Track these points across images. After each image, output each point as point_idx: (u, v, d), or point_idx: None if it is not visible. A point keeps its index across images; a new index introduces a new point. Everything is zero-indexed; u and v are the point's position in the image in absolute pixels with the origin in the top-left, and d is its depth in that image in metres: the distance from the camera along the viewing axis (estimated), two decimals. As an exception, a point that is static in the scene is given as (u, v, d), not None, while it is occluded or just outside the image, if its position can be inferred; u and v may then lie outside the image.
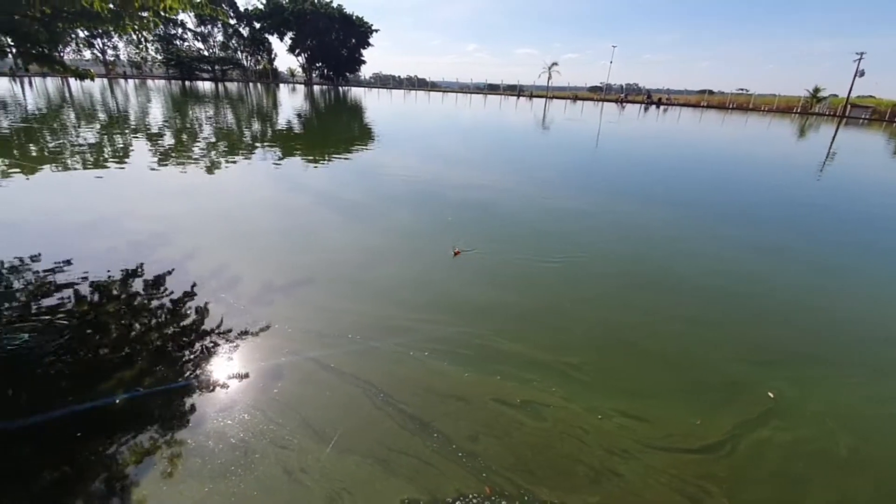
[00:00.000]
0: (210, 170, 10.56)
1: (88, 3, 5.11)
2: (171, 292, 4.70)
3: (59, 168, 9.94)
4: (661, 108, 54.31)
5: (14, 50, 5.48)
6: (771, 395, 3.68)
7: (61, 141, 13.34)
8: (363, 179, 10.46)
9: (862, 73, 46.16)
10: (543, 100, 63.69)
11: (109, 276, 4.96)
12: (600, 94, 72.64)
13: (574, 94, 72.97)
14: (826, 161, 16.84)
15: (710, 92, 64.41)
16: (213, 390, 3.31)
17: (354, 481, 2.66)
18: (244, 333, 4.00)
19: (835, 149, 21.18)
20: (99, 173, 9.81)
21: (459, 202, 8.69)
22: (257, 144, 14.77)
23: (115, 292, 4.70)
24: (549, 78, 71.46)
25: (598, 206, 9.12)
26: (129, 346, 3.81)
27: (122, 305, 4.47)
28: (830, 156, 18.40)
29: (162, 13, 6.18)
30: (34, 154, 11.40)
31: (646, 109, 50.29)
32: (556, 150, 17.18)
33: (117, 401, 3.16)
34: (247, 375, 3.47)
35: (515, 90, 77.62)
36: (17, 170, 9.54)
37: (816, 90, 50.62)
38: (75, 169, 10.00)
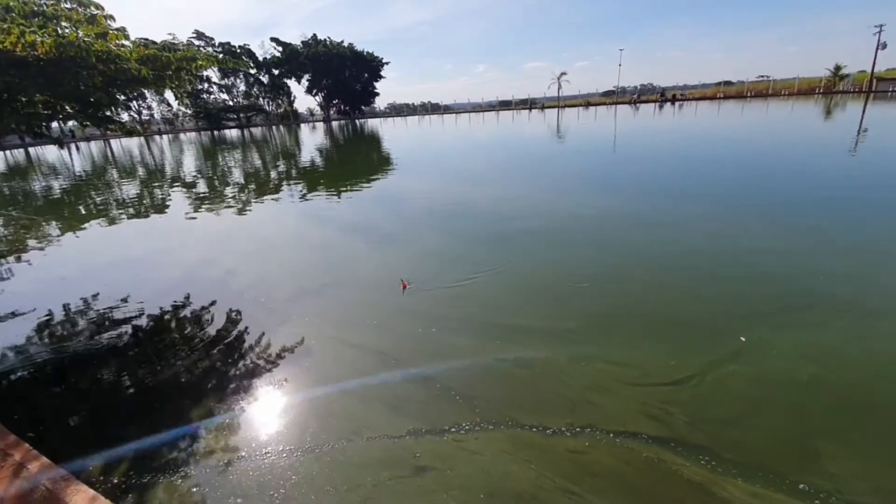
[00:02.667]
0: (241, 211, 11.39)
1: (137, 72, 5.92)
2: (214, 321, 5.25)
3: (105, 221, 10.97)
4: (677, 104, 53.65)
5: (79, 115, 6.36)
6: (743, 339, 4.15)
7: (107, 197, 14.63)
8: (384, 205, 11.02)
9: (884, 46, 44.48)
10: (555, 110, 64.07)
11: (161, 309, 5.60)
12: (612, 97, 72.42)
13: (586, 101, 73.04)
14: (858, 137, 16.35)
15: (728, 83, 63.15)
16: (260, 414, 3.75)
17: (370, 419, 3.45)
18: (281, 357, 4.48)
19: (866, 125, 20.49)
20: (142, 222, 10.77)
21: (479, 218, 9.07)
22: (283, 183, 15.71)
23: (167, 322, 5.30)
24: (560, 88, 71.97)
25: (599, 207, 9.31)
26: (185, 375, 4.34)
27: (175, 335, 5.04)
28: (862, 132, 17.83)
29: (194, 72, 6.98)
30: (83, 210, 12.57)
31: (660, 107, 49.84)
32: (573, 158, 17.40)
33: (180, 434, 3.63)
34: (284, 386, 3.90)
35: (527, 104, 78.36)
36: (68, 225, 10.59)
37: (838, 68, 48.91)
38: (121, 220, 11.00)
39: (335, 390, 3.87)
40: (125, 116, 66.19)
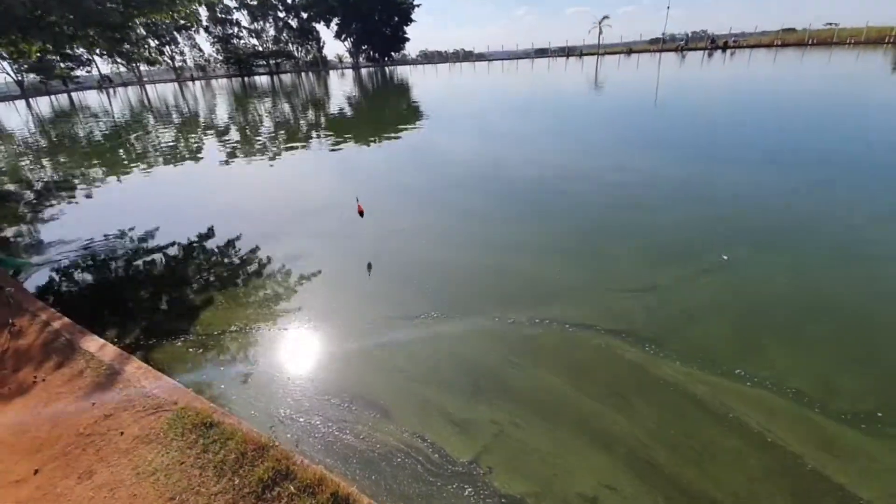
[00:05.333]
0: (272, 159, 11.57)
1: None
2: (240, 250, 5.53)
3: (143, 163, 11.51)
4: (728, 52, 49.48)
5: (100, 39, 6.64)
6: (725, 257, 4.23)
7: (144, 142, 15.23)
8: (414, 159, 10.93)
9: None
10: (595, 58, 60.41)
11: (188, 239, 5.96)
12: (658, 44, 67.38)
13: (629, 48, 68.29)
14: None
15: (791, 30, 57.18)
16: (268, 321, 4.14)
17: (355, 310, 3.50)
18: (300, 284, 4.83)
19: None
20: (176, 166, 11.22)
21: (506, 178, 9.06)
22: (313, 132, 15.82)
23: (195, 250, 5.71)
24: (601, 34, 67.35)
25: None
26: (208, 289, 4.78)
27: (202, 260, 5.39)
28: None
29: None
30: (122, 153, 13.21)
31: (710, 55, 46.14)
32: (605, 113, 16.70)
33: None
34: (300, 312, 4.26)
35: (564, 51, 74.08)
36: (110, 166, 11.21)
37: (920, 11, 43.27)
38: (157, 163, 11.49)
39: (338, 301, 4.22)
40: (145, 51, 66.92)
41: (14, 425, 2.50)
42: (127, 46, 7.14)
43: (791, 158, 7.42)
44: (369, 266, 4.50)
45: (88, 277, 4.96)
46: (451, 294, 3.90)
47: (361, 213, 5.25)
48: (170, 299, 4.30)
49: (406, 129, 13.24)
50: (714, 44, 54.47)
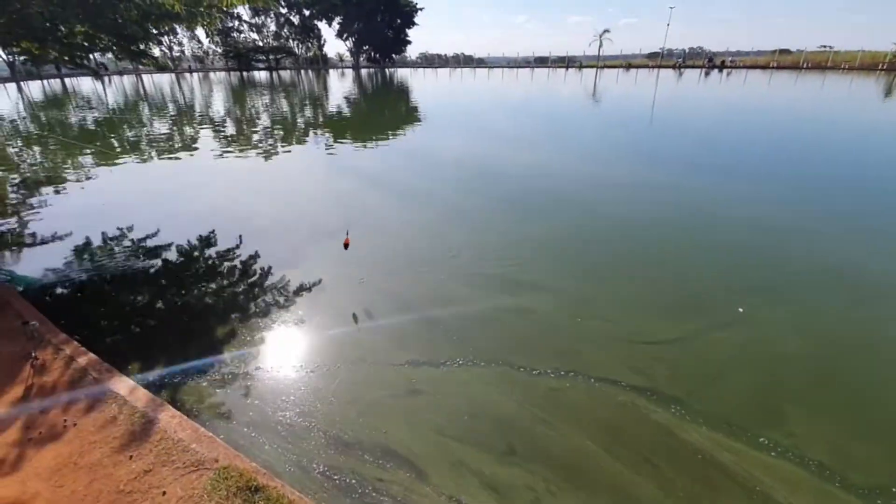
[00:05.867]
0: (268, 155, 11.65)
1: (171, 7, 6.08)
2: (240, 255, 5.65)
3: (139, 155, 11.42)
4: (725, 71, 50.33)
5: (115, 47, 6.60)
6: (741, 310, 4.29)
7: (139, 132, 15.09)
8: (410, 161, 11.09)
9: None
10: (594, 70, 61.01)
11: (188, 242, 6.03)
12: (657, 60, 68.30)
13: (627, 63, 69.15)
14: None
15: (786, 51, 58.38)
16: (280, 349, 4.15)
17: (377, 349, 3.88)
18: (301, 294, 4.84)
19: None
20: (171, 161, 11.17)
21: (508, 183, 9.13)
22: (310, 130, 15.83)
23: (195, 255, 5.74)
24: (601, 46, 68.12)
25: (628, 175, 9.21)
26: (210, 301, 4.77)
27: (201, 265, 5.47)
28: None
29: (224, 9, 7.08)
30: (117, 144, 13.07)
31: (707, 74, 46.90)
32: (603, 126, 16.90)
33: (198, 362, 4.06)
34: (302, 325, 4.27)
35: (564, 61, 74.68)
36: (104, 159, 11.09)
37: (910, 41, 44.53)
38: (152, 156, 11.43)
39: (348, 327, 4.23)
40: (156, 52, 66.24)
41: (51, 477, 2.49)
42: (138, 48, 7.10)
43: (808, 195, 7.61)
44: (354, 317, 4.35)
45: (96, 294, 4.92)
46: (474, 339, 3.94)
47: (346, 246, 5.03)
48: (185, 327, 4.28)
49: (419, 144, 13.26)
50: (711, 62, 55.39)
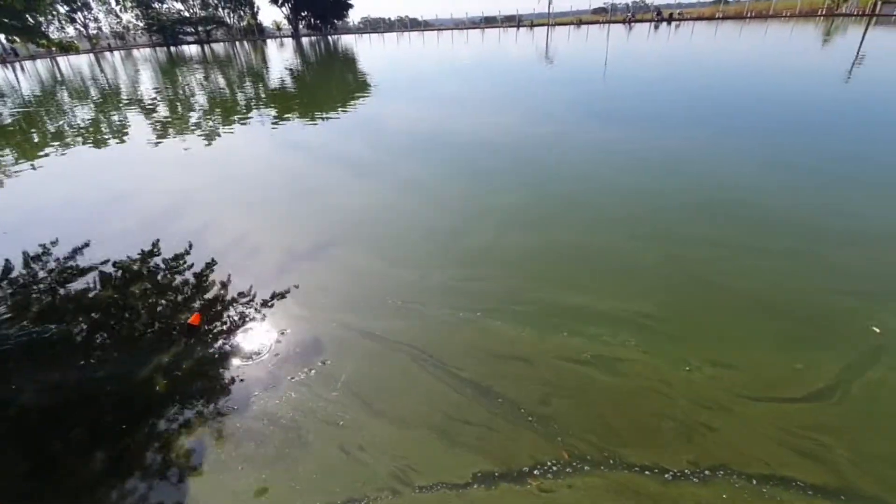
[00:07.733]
0: (210, 138, 10.39)
1: None
2: (193, 265, 4.76)
3: (62, 151, 9.90)
4: (673, 24, 50.64)
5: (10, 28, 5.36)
6: (876, 329, 3.22)
7: (60, 123, 13.22)
8: (364, 133, 10.16)
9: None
10: (545, 28, 59.88)
11: (129, 256, 5.03)
12: (605, 15, 67.86)
13: (578, 19, 68.33)
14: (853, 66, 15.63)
15: (726, 2, 59.35)
16: (251, 364, 3.39)
17: (419, 456, 2.46)
18: (273, 303, 4.07)
19: (864, 51, 19.64)
20: (100, 152, 9.76)
21: (467, 149, 8.44)
22: (253, 107, 14.40)
23: (138, 270, 4.79)
24: (550, 3, 66.69)
25: (631, 138, 8.75)
26: (160, 325, 3.92)
27: (147, 284, 4.56)
28: (859, 60, 17.05)
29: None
30: (37, 139, 11.35)
31: (656, 28, 47.01)
32: (563, 86, 16.32)
33: (157, 385, 3.28)
34: (284, 347, 3.50)
35: (514, 20, 72.91)
36: (23, 157, 9.54)
37: (842, -12, 46.07)
38: (78, 150, 9.95)
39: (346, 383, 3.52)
40: (71, 30, 59.25)
41: None
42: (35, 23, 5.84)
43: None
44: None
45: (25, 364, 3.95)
46: (560, 425, 3.25)
47: (196, 326, 3.76)
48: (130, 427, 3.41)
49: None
50: (660, 16, 55.63)
